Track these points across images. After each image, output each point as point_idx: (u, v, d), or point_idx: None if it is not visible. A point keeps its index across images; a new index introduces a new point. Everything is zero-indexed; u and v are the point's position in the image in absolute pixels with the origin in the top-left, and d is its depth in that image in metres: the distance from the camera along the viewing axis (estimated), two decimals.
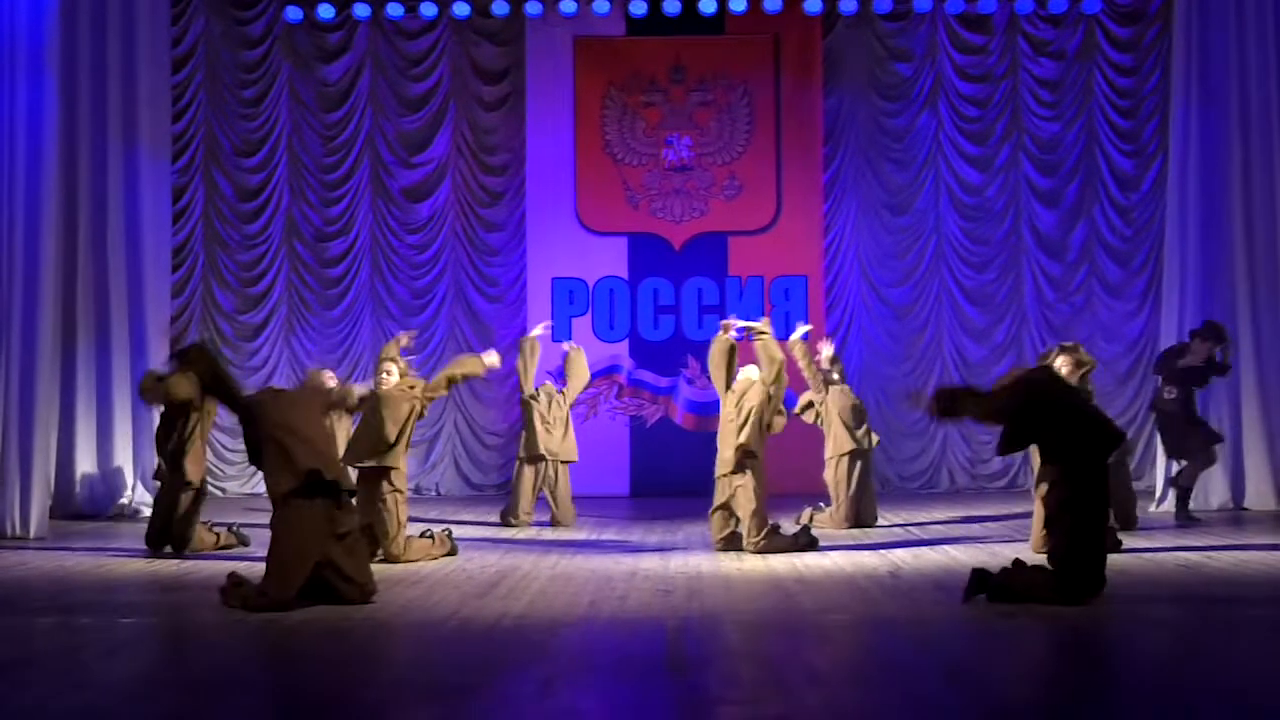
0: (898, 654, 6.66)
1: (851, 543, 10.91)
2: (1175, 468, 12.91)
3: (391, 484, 9.99)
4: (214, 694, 5.91)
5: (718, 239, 16.23)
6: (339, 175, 16.52)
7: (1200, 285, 14.05)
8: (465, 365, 10.62)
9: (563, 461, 12.60)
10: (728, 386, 10.56)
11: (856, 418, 12.14)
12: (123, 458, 13.93)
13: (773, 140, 16.22)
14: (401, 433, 9.99)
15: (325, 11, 16.08)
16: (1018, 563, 8.13)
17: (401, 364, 10.43)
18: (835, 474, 12.03)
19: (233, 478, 16.06)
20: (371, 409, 10.03)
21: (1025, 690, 5.98)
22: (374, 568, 9.20)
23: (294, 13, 16.15)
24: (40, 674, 6.37)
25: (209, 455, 15.52)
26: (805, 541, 10.38)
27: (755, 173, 16.23)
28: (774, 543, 10.25)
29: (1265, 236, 13.86)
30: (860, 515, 11.91)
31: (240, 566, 9.03)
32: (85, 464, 13.69)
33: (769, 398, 10.42)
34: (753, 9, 15.80)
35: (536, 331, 13.11)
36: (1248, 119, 13.88)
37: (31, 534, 11.85)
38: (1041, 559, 8.25)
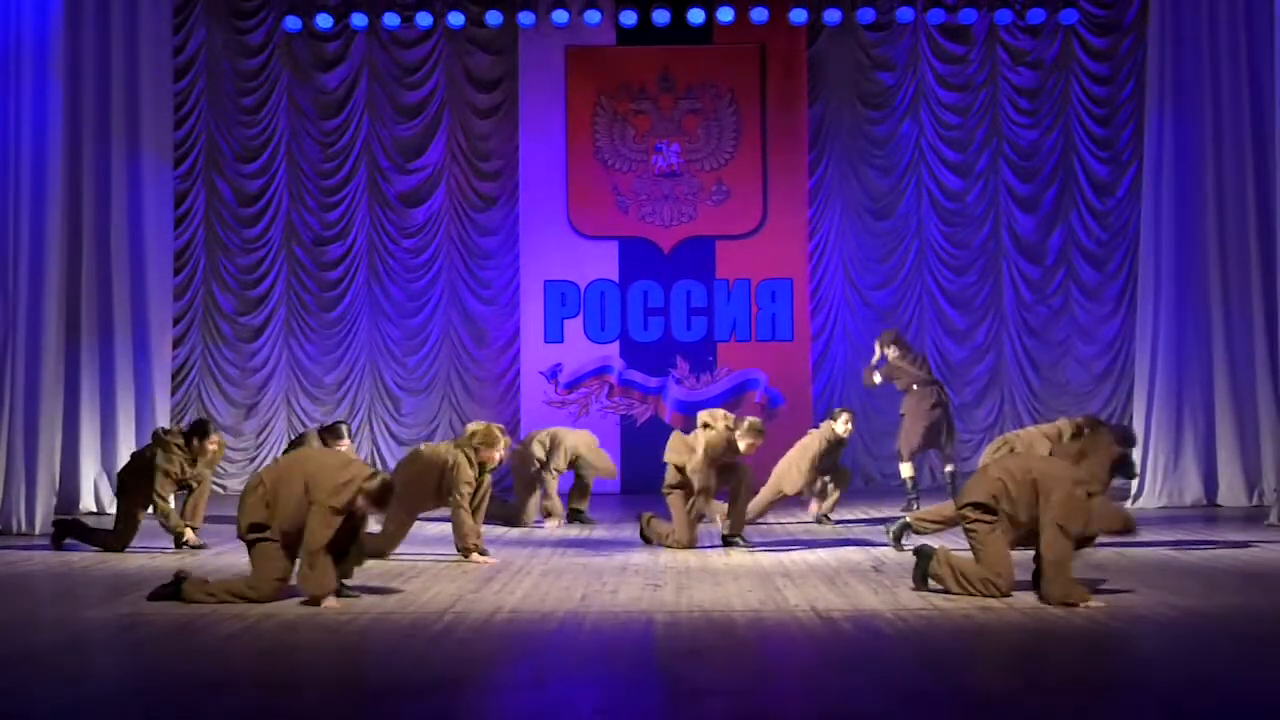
0: (880, 645, 6.67)
1: (835, 538, 11.07)
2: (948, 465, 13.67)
3: None
4: (213, 687, 5.91)
5: (706, 243, 16.42)
6: (337, 180, 16.66)
7: (1174, 288, 14.22)
8: None
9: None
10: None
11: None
12: (125, 456, 13.83)
13: (759, 147, 16.39)
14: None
15: (323, 21, 16.18)
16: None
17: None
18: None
19: (233, 475, 16.23)
20: None
21: (1006, 681, 5.99)
22: (373, 563, 9.35)
23: (293, 22, 16.26)
24: (43, 668, 6.39)
25: None
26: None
27: (742, 178, 16.41)
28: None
29: (1237, 240, 13.95)
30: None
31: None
32: (89, 462, 13.68)
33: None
34: (739, 20, 15.93)
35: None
36: (1220, 126, 13.97)
37: (37, 531, 11.90)
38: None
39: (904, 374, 13.61)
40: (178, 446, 10.67)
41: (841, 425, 12.25)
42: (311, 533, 7.75)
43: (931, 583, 8.12)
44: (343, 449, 11.32)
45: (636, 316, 16.46)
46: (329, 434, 11.89)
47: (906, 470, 13.50)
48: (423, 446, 10.52)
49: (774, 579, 8.82)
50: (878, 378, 13.79)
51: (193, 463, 10.76)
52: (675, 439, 10.88)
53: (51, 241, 12.51)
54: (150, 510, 10.70)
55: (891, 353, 13.69)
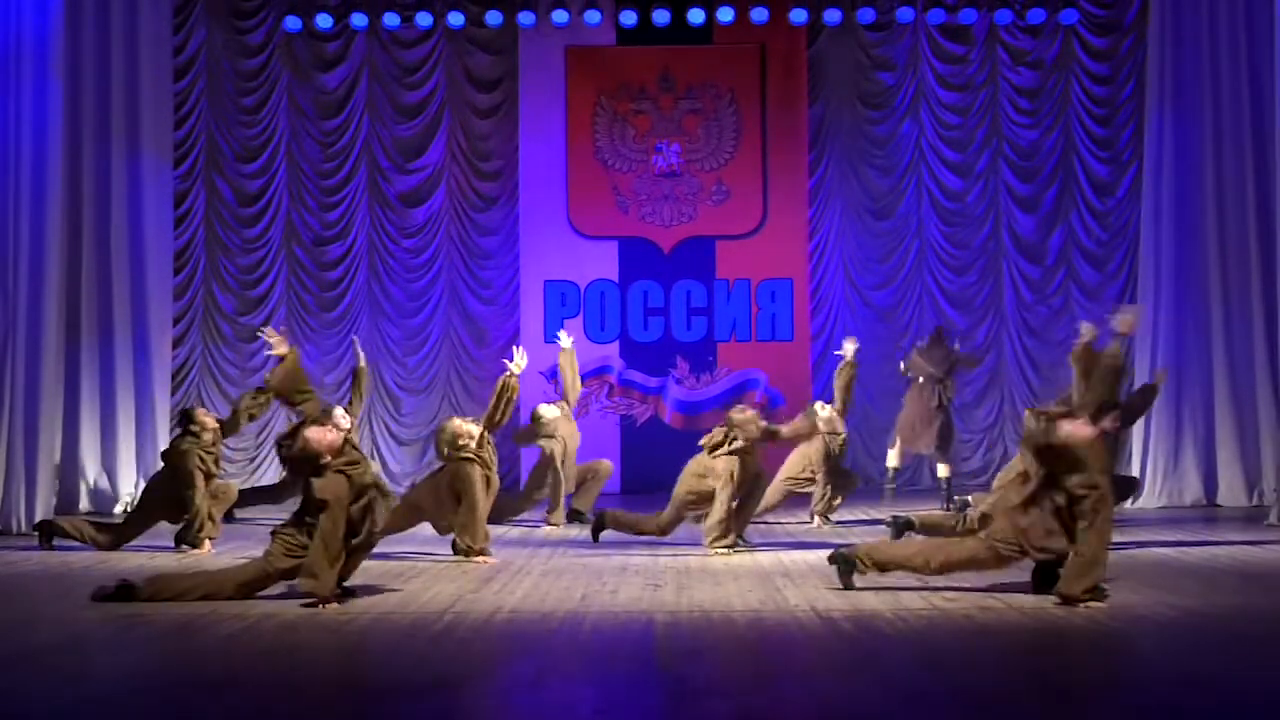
0: (880, 645, 6.69)
1: (835, 539, 11.00)
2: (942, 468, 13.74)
3: None
4: (213, 687, 5.93)
5: (706, 243, 16.47)
6: (337, 180, 16.67)
7: (1174, 288, 14.30)
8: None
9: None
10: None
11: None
12: (125, 456, 14.02)
13: (759, 147, 16.43)
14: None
15: (323, 21, 16.21)
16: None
17: None
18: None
19: (233, 475, 16.18)
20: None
21: (1007, 682, 5.99)
22: (374, 564, 9.46)
23: (293, 22, 16.28)
24: (43, 668, 6.40)
25: None
26: None
27: (742, 178, 16.45)
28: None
29: (1237, 240, 14.04)
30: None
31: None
32: (89, 462, 13.73)
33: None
34: (740, 19, 15.96)
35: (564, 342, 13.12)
36: (1220, 126, 14.06)
37: None
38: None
39: (916, 366, 13.70)
40: (190, 442, 10.66)
41: (826, 412, 12.23)
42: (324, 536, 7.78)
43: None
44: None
45: (636, 316, 16.49)
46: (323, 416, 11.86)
47: (892, 459, 13.57)
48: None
49: (774, 579, 8.84)
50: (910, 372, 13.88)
51: (211, 445, 10.75)
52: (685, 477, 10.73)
53: (51, 241, 12.56)
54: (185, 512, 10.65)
55: (921, 344, 13.86)
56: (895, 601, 7.83)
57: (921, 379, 13.59)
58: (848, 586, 8.15)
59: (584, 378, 16.34)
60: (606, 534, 11.41)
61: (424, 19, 16.28)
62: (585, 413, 16.14)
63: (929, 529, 10.12)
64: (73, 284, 13.69)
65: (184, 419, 10.98)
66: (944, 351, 13.81)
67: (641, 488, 15.49)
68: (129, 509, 11.86)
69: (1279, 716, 5.40)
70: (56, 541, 10.84)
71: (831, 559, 8.31)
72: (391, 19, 16.35)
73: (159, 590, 8.01)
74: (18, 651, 6.80)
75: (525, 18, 16.18)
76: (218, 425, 10.91)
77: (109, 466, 13.92)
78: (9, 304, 12.33)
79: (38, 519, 11.87)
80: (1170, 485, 14.02)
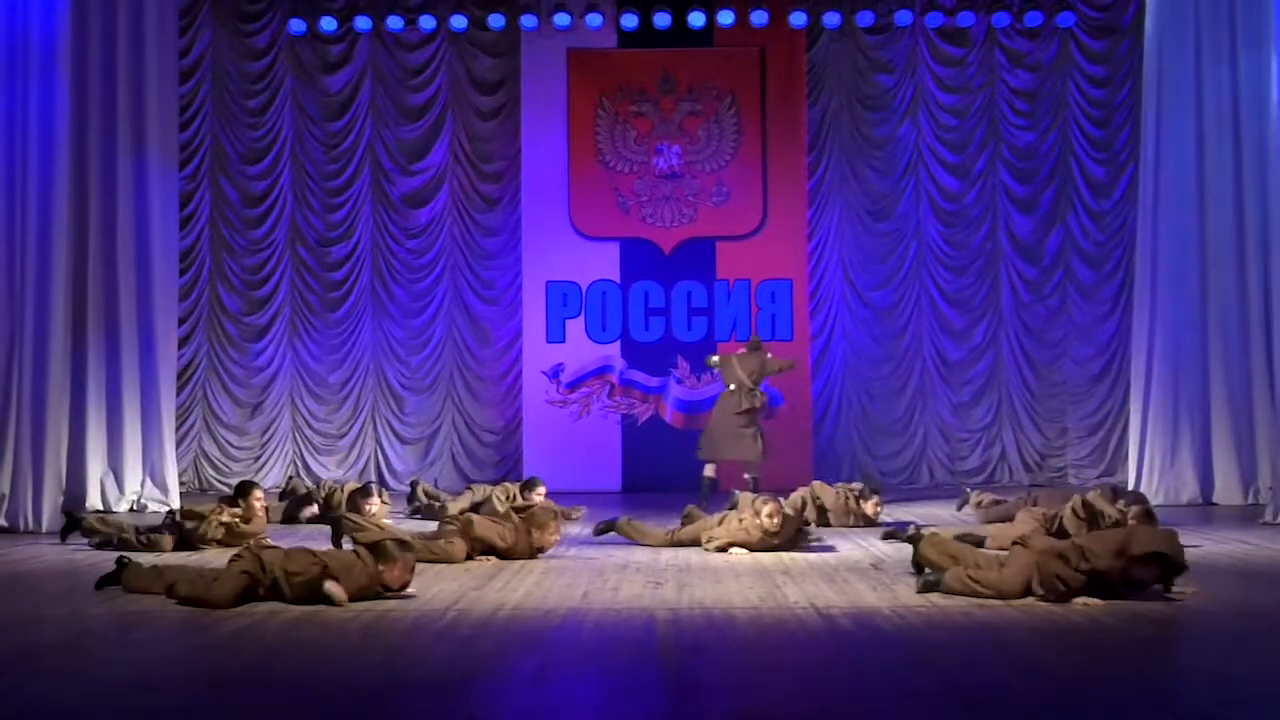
0: (880, 643, 6.70)
1: (835, 537, 11.07)
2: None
3: None
4: (217, 686, 5.95)
5: (706, 244, 16.55)
6: (341, 182, 16.81)
7: (1170, 288, 14.29)
8: None
9: None
10: None
11: None
12: (132, 455, 14.00)
13: (759, 149, 16.52)
14: None
15: (328, 24, 16.38)
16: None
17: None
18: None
19: (238, 475, 16.25)
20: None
21: (1007, 680, 5.96)
22: None
23: (297, 25, 16.44)
24: (48, 666, 6.41)
25: (215, 451, 15.87)
26: None
27: (742, 180, 16.55)
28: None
29: (1233, 240, 14.03)
30: None
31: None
32: (95, 461, 13.73)
33: None
34: (740, 22, 16.10)
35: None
36: (1217, 127, 14.03)
37: (44, 529, 12.03)
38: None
39: (730, 371, 13.45)
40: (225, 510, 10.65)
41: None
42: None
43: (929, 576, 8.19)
44: (372, 510, 11.27)
45: (637, 317, 16.57)
46: (359, 495, 11.70)
47: (709, 470, 13.35)
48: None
49: (774, 576, 8.88)
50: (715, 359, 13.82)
51: (246, 521, 10.64)
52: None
53: (58, 242, 12.61)
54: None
55: (741, 353, 13.60)
56: (894, 599, 7.88)
57: (734, 386, 13.38)
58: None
59: (585, 378, 16.47)
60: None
61: (427, 22, 16.42)
62: (587, 412, 16.23)
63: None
64: (79, 284, 13.68)
65: (240, 493, 10.89)
66: (759, 361, 13.51)
67: (642, 486, 15.59)
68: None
69: (1278, 713, 5.45)
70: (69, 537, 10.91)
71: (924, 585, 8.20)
72: (395, 22, 16.49)
73: (140, 582, 8.11)
74: (21, 651, 6.79)
75: (527, 21, 16.30)
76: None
77: (115, 465, 13.95)
78: (16, 304, 12.40)
79: (44, 517, 12.02)
80: (1167, 483, 14.06)
